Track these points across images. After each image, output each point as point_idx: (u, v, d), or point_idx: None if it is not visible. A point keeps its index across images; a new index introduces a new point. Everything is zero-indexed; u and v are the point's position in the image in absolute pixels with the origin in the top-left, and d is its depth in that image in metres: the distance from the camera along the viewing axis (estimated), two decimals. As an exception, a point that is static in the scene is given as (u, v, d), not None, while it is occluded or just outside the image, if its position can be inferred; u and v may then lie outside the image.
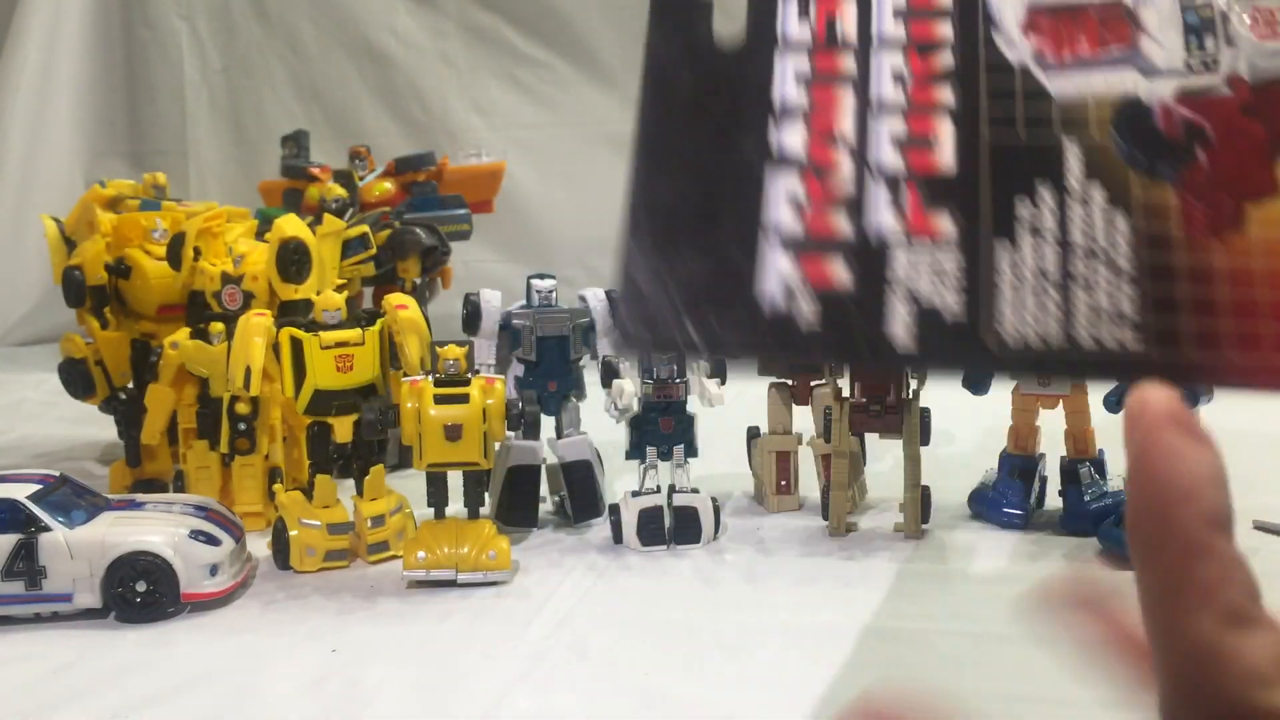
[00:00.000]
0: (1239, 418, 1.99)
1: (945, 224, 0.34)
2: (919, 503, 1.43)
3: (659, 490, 1.46)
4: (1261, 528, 1.41)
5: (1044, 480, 1.51)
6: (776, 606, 1.25)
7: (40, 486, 1.30)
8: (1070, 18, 0.36)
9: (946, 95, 0.36)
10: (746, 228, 0.35)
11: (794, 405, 1.58)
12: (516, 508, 1.52)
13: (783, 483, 1.56)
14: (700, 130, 0.37)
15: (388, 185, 2.12)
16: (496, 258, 2.76)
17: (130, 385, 1.73)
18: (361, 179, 2.15)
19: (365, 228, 1.76)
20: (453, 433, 1.32)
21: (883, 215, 0.35)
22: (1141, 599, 0.30)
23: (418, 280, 1.93)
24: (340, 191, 1.94)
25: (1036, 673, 1.06)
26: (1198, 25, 0.36)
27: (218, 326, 1.50)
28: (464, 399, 1.34)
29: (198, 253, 1.59)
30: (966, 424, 1.82)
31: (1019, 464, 1.47)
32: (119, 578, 1.25)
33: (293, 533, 1.39)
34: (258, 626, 1.25)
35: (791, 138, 0.36)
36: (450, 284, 2.09)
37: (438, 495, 1.37)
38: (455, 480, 1.38)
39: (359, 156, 2.19)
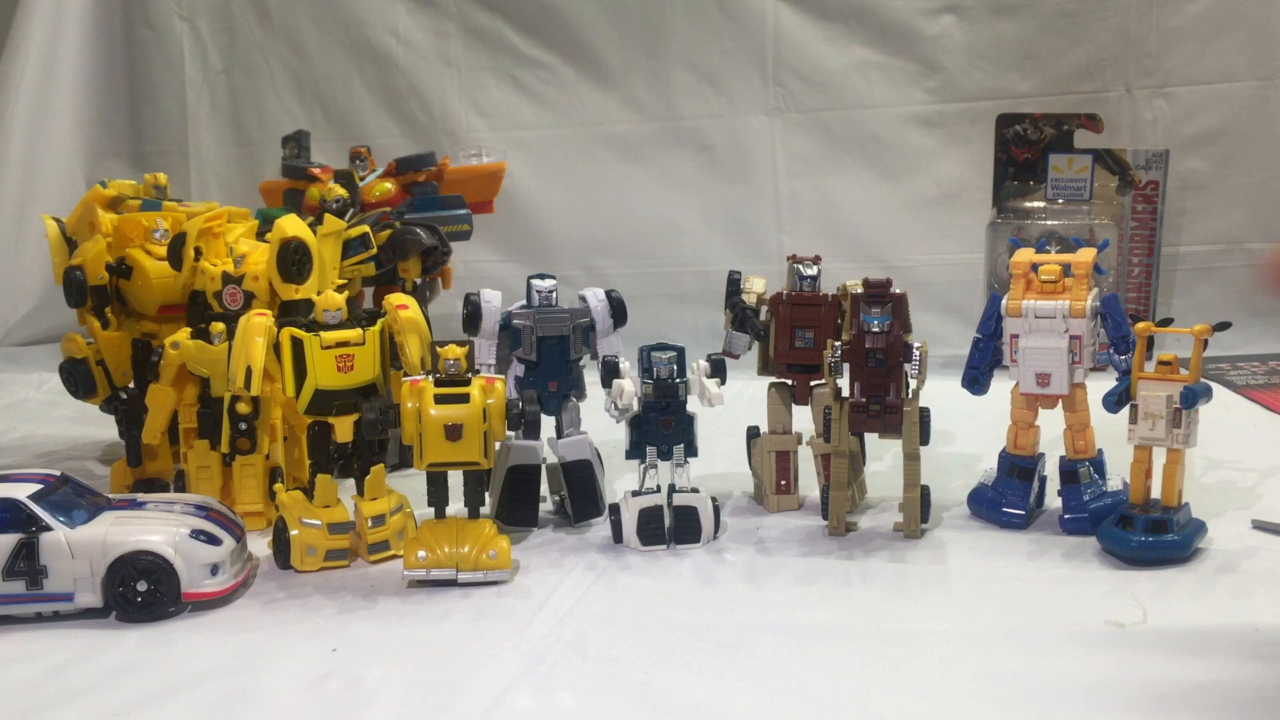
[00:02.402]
0: (1238, 417, 1.99)
1: None
2: (918, 502, 1.43)
3: (659, 490, 1.46)
4: (1261, 527, 1.41)
5: (1044, 480, 1.51)
6: (776, 606, 1.26)
7: (41, 486, 1.30)
8: None
9: None
10: None
11: (794, 405, 1.58)
12: (517, 507, 1.52)
13: (782, 482, 1.57)
14: None
15: (388, 185, 2.12)
16: (496, 258, 2.76)
17: (131, 385, 1.73)
18: (362, 179, 2.15)
19: (366, 228, 1.77)
20: (453, 432, 1.32)
21: None
22: None
23: (418, 280, 1.93)
24: (341, 192, 1.94)
25: (1037, 673, 1.06)
26: None
27: (218, 326, 1.50)
28: (464, 399, 1.34)
29: (198, 253, 1.59)
30: (966, 424, 1.82)
31: (1018, 463, 1.47)
32: (120, 577, 1.25)
33: (293, 532, 1.39)
34: (258, 626, 1.26)
35: None
36: (450, 284, 2.09)
37: (438, 495, 1.37)
38: (455, 480, 1.38)
39: (359, 157, 2.19)
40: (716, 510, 1.46)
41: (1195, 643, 1.10)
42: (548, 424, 1.50)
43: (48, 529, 1.25)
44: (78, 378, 1.72)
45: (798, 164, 2.70)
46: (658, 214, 2.76)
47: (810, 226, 2.69)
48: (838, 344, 1.44)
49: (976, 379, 1.48)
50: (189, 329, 1.56)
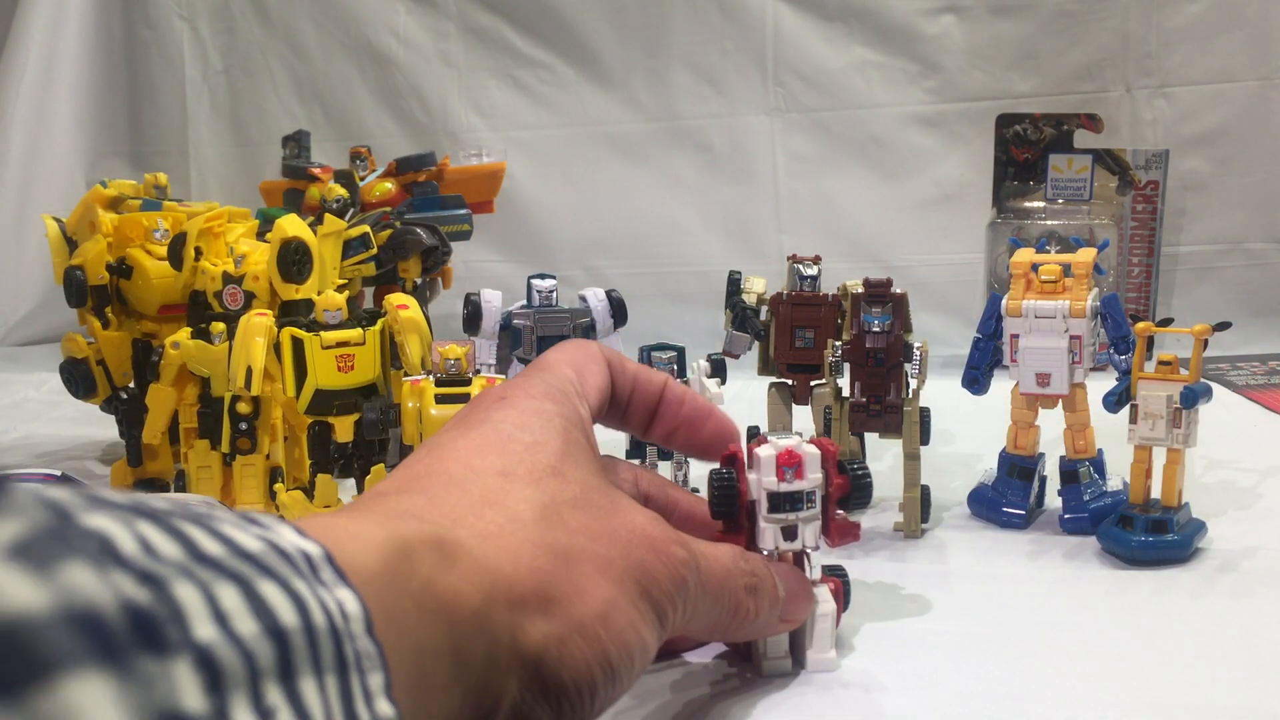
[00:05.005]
0: (1238, 417, 1.99)
1: None
2: (918, 502, 1.43)
3: (659, 490, 1.46)
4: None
5: (1043, 480, 1.51)
6: (776, 606, 1.25)
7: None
8: None
9: None
10: None
11: (794, 405, 1.58)
12: (517, 507, 1.52)
13: (783, 482, 1.56)
14: None
15: (388, 185, 2.12)
16: (496, 258, 2.77)
17: (132, 385, 1.73)
18: (362, 179, 2.15)
19: (366, 228, 1.77)
20: (453, 432, 1.32)
21: None
22: None
23: (418, 280, 1.93)
24: (341, 191, 1.94)
25: (1037, 673, 1.06)
26: None
27: (219, 326, 1.51)
28: (465, 398, 1.33)
29: (199, 253, 1.59)
30: (966, 424, 1.82)
31: (1018, 463, 1.47)
32: (120, 577, 1.25)
33: (294, 532, 1.39)
34: (259, 626, 1.25)
35: None
36: (451, 284, 2.09)
37: (438, 495, 1.37)
38: (456, 480, 1.37)
39: (360, 157, 2.20)
40: (717, 510, 1.46)
41: (1195, 642, 1.10)
42: (548, 424, 1.50)
43: (48, 529, 1.25)
44: (78, 378, 1.72)
45: (798, 164, 2.70)
46: (658, 214, 2.76)
47: (810, 226, 2.70)
48: (838, 344, 1.44)
49: (976, 379, 1.48)
50: (189, 329, 1.56)
